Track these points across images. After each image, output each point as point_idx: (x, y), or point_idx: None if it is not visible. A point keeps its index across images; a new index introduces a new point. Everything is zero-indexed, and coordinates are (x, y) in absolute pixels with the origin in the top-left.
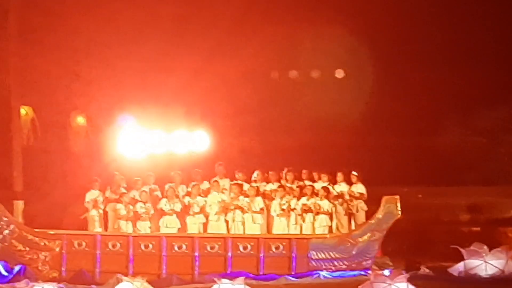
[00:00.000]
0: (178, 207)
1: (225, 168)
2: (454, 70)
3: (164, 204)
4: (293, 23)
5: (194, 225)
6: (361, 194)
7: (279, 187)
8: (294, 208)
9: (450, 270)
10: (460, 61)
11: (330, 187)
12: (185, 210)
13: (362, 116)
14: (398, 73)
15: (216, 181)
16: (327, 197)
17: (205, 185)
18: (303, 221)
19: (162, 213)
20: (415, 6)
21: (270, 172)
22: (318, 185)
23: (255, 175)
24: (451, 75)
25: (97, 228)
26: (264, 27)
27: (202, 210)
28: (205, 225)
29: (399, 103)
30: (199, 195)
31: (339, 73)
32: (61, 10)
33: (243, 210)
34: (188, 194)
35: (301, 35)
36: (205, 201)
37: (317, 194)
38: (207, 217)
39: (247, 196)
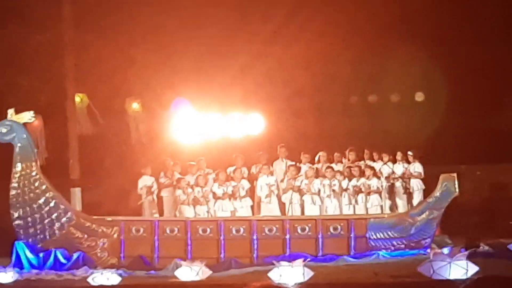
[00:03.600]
0: (230, 190)
1: (287, 150)
2: None
3: (217, 188)
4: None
5: (241, 208)
6: (418, 173)
7: (327, 168)
8: (347, 189)
9: (510, 247)
10: None
11: (385, 167)
12: (233, 194)
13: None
14: (457, 51)
15: (265, 164)
16: (374, 176)
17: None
18: (356, 201)
19: (215, 197)
20: None
21: (335, 154)
22: (378, 166)
23: (318, 156)
24: None
25: (154, 214)
26: (323, 11)
27: (248, 193)
28: (253, 208)
29: (458, 82)
30: (243, 178)
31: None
32: None
33: (300, 192)
34: (232, 178)
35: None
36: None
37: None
38: (254, 200)
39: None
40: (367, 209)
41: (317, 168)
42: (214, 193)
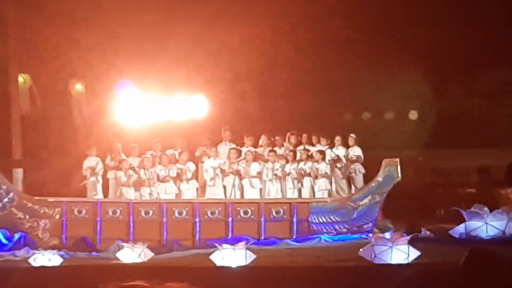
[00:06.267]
0: (174, 173)
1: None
2: (456, 32)
3: (159, 171)
4: None
5: (188, 191)
6: (358, 157)
7: (270, 151)
8: (290, 173)
9: (451, 232)
10: (461, 23)
11: (328, 151)
12: (178, 177)
13: (361, 80)
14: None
15: (212, 146)
16: (323, 160)
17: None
18: (301, 185)
19: (159, 179)
20: None
21: (276, 137)
22: (314, 149)
23: (261, 140)
24: (453, 37)
25: (97, 195)
26: None
27: (194, 175)
28: (199, 190)
29: (396, 68)
30: (190, 161)
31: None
32: None
33: (240, 176)
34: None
35: None
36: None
37: (312, 158)
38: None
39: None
40: (314, 193)
41: (256, 152)
42: (158, 175)
